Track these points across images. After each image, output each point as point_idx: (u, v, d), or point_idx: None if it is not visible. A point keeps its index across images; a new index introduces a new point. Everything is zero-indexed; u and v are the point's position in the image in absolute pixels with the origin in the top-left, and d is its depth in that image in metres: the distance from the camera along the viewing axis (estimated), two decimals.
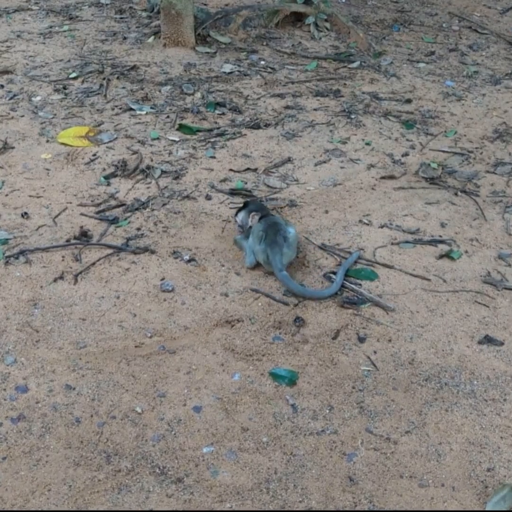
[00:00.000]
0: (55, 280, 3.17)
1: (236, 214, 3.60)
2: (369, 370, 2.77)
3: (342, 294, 3.17)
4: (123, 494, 2.20)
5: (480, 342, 2.94)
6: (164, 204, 3.88)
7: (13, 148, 4.32)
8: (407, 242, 3.60)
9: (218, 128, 4.79)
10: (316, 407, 2.59)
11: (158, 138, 4.59)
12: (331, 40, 6.50)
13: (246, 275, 3.30)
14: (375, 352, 2.86)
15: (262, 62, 5.95)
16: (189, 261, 3.38)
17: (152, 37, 6.25)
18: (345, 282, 3.23)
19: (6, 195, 3.82)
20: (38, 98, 5.04)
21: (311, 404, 2.60)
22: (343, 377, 2.73)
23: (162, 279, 3.25)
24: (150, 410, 2.52)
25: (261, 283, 3.24)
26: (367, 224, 3.74)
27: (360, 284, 3.25)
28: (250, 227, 3.44)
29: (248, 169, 4.29)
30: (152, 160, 4.31)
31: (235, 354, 2.81)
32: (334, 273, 3.30)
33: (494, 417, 2.58)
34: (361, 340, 2.93)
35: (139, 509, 2.15)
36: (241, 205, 3.65)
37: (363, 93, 5.46)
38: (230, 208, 3.83)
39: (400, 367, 2.80)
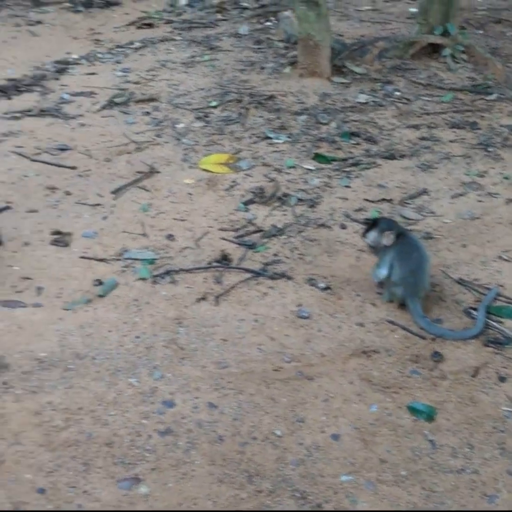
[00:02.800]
0: (198, 301, 3.31)
1: (364, 234, 3.43)
2: (510, 411, 2.71)
3: (484, 333, 3.11)
4: None
5: None
6: (300, 232, 3.96)
7: (159, 172, 4.55)
8: None
9: (353, 158, 4.85)
10: (456, 444, 2.56)
11: (294, 167, 4.70)
12: (467, 72, 6.42)
13: (382, 306, 3.31)
14: None
15: (397, 93, 5.96)
16: (324, 289, 3.43)
17: (289, 67, 6.41)
18: (487, 320, 3.17)
19: (153, 217, 4.03)
20: (181, 125, 5.29)
21: (450, 441, 2.57)
22: (483, 416, 2.68)
23: (299, 305, 3.31)
24: (290, 434, 2.58)
25: (398, 315, 3.25)
26: (508, 261, 3.66)
27: (502, 322, 3.18)
28: (384, 247, 3.32)
29: (383, 199, 4.31)
30: (288, 188, 4.42)
31: (372, 385, 2.83)
32: (474, 309, 3.25)
33: None
34: (502, 379, 2.86)
35: None
36: (370, 223, 3.48)
37: (501, 126, 5.36)
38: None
39: None
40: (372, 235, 3.37)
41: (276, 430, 2.59)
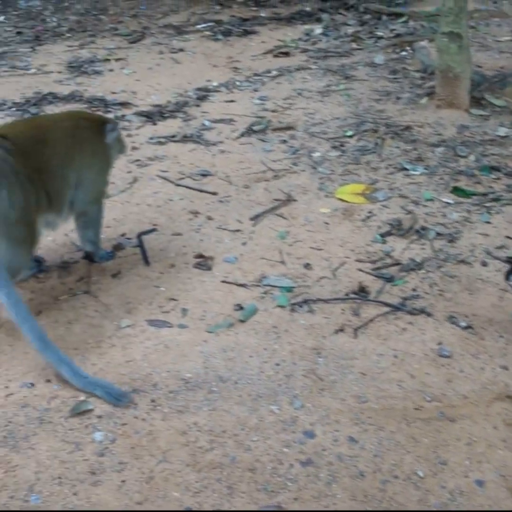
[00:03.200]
0: (336, 332, 3.33)
1: (508, 277, 3.41)
2: None
3: None
4: None
5: None
6: (439, 267, 3.90)
7: (295, 200, 4.63)
8: None
9: (493, 192, 4.73)
10: None
11: (431, 199, 4.64)
12: None
13: None
14: None
15: None
16: (466, 328, 3.37)
17: (425, 98, 6.35)
18: None
19: (290, 245, 4.10)
20: (317, 154, 5.35)
21: None
22: None
23: (439, 343, 3.26)
24: (432, 476, 2.54)
25: None
26: None
27: None
28: None
29: None
30: (426, 221, 4.37)
31: None
32: None
33: None
34: None
35: None
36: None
37: None
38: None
39: None
40: None
41: (418, 470, 2.56)
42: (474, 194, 4.72)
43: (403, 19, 9.39)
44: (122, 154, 4.05)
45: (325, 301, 3.57)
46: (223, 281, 3.72)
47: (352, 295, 3.63)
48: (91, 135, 3.61)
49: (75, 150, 3.49)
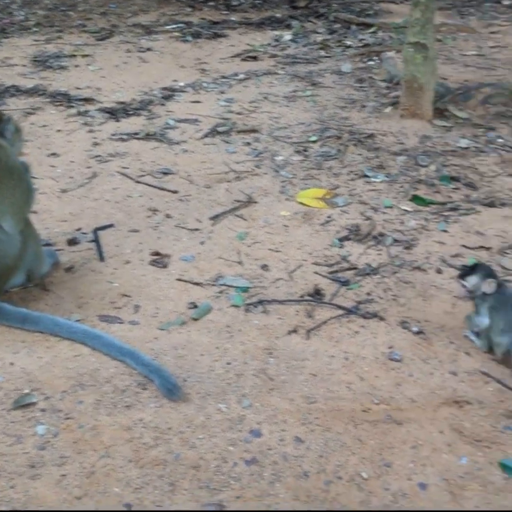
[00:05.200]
0: (289, 333, 3.32)
1: (463, 277, 3.33)
2: None
3: None
4: None
5: None
6: (394, 272, 3.93)
7: (256, 202, 4.62)
8: None
9: (452, 202, 4.78)
10: None
11: (391, 207, 4.67)
12: None
13: (476, 356, 3.23)
14: None
15: (500, 140, 5.86)
16: (417, 333, 3.38)
17: (390, 107, 6.41)
18: None
19: (249, 246, 4.09)
20: (280, 157, 5.36)
21: None
22: None
23: (390, 347, 3.28)
24: (376, 478, 2.54)
25: (493, 366, 3.16)
26: None
27: None
28: (483, 294, 3.24)
29: (481, 247, 4.22)
30: (384, 228, 4.39)
31: (463, 437, 2.76)
32: None
33: None
34: None
35: None
36: (469, 267, 3.39)
37: None
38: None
39: None
40: (473, 279, 3.29)
41: (362, 472, 2.56)
42: (433, 203, 4.76)
43: (372, 29, 9.48)
44: (21, 144, 3.63)
45: (280, 302, 3.56)
46: (179, 279, 3.69)
47: (307, 297, 3.63)
48: None
49: None
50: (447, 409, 2.91)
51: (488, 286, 3.22)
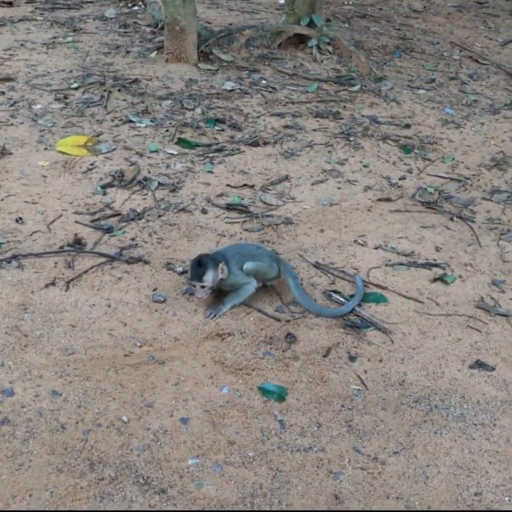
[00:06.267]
0: (46, 286, 3.15)
1: (201, 279, 3.03)
2: (359, 390, 2.75)
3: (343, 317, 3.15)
4: (106, 502, 2.16)
5: (471, 367, 2.93)
6: (159, 216, 3.87)
7: (11, 154, 4.31)
8: (401, 264, 3.59)
9: (217, 144, 4.80)
10: (304, 424, 2.56)
11: (156, 151, 4.59)
12: (332, 63, 6.54)
13: None
14: (365, 372, 2.84)
15: (263, 82, 5.98)
16: (182, 273, 3.36)
17: (155, 52, 6.27)
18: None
19: (1, 199, 3.81)
20: (39, 106, 5.04)
21: (299, 420, 2.57)
22: (333, 395, 2.71)
23: (155, 289, 3.23)
24: (137, 420, 2.49)
25: (253, 298, 3.22)
26: (362, 245, 3.73)
27: (361, 305, 3.22)
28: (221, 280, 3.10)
29: (245, 185, 4.29)
30: (149, 172, 4.31)
31: (225, 368, 2.79)
32: (334, 292, 3.29)
33: (483, 441, 2.56)
34: (352, 359, 2.91)
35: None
36: (194, 268, 3.05)
37: (363, 116, 5.49)
38: (226, 223, 3.83)
39: (390, 387, 2.78)
40: (210, 276, 3.04)
41: (122, 416, 2.50)
42: (198, 145, 4.75)
43: None
44: None
45: (37, 255, 3.36)
46: None
47: (67, 248, 3.46)
48: None
49: None
50: (210, 343, 2.92)
51: (223, 272, 3.08)
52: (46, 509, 2.11)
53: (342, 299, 3.25)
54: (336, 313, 3.14)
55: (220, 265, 3.08)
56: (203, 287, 3.06)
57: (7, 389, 2.53)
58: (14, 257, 3.31)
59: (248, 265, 3.17)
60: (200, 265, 3.05)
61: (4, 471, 2.22)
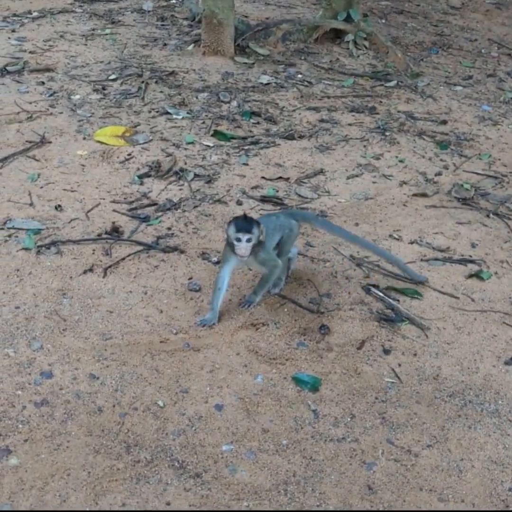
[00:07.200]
0: (84, 272, 3.20)
1: (247, 231, 2.91)
2: (392, 382, 2.75)
3: (377, 310, 3.14)
4: (141, 484, 2.19)
5: (506, 363, 2.91)
6: (195, 206, 3.90)
7: (50, 143, 4.38)
8: (436, 259, 3.58)
9: (253, 136, 4.82)
10: (338, 414, 2.57)
11: (192, 143, 4.62)
12: (369, 59, 6.51)
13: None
14: (399, 365, 2.84)
15: (299, 76, 5.98)
16: (217, 263, 3.39)
17: (192, 45, 6.31)
18: (386, 297, 3.21)
19: (41, 187, 3.87)
20: (77, 96, 5.11)
21: (332, 411, 2.58)
22: (366, 387, 2.71)
23: (190, 278, 3.26)
24: (172, 405, 2.52)
25: (288, 289, 3.24)
26: (397, 240, 3.72)
27: (398, 300, 3.22)
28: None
29: (280, 178, 4.30)
30: (185, 163, 4.34)
31: (259, 357, 2.81)
32: (373, 285, 3.29)
33: None
34: (386, 352, 2.91)
35: (156, 501, 2.15)
36: (242, 221, 2.93)
37: (399, 111, 5.46)
38: (260, 214, 3.85)
39: (424, 381, 2.77)
40: (256, 230, 2.92)
41: (158, 400, 2.53)
42: (234, 138, 4.77)
43: None
44: None
45: (75, 242, 3.41)
46: None
47: (105, 236, 3.51)
48: None
49: None
50: (244, 332, 2.94)
51: (262, 233, 2.98)
52: (84, 488, 2.15)
53: (380, 293, 3.24)
54: (372, 247, 3.44)
55: (261, 226, 2.96)
56: (249, 240, 2.89)
57: (46, 372, 2.58)
58: (53, 243, 3.37)
59: (294, 250, 3.29)
60: (246, 219, 2.94)
61: (43, 450, 2.27)
